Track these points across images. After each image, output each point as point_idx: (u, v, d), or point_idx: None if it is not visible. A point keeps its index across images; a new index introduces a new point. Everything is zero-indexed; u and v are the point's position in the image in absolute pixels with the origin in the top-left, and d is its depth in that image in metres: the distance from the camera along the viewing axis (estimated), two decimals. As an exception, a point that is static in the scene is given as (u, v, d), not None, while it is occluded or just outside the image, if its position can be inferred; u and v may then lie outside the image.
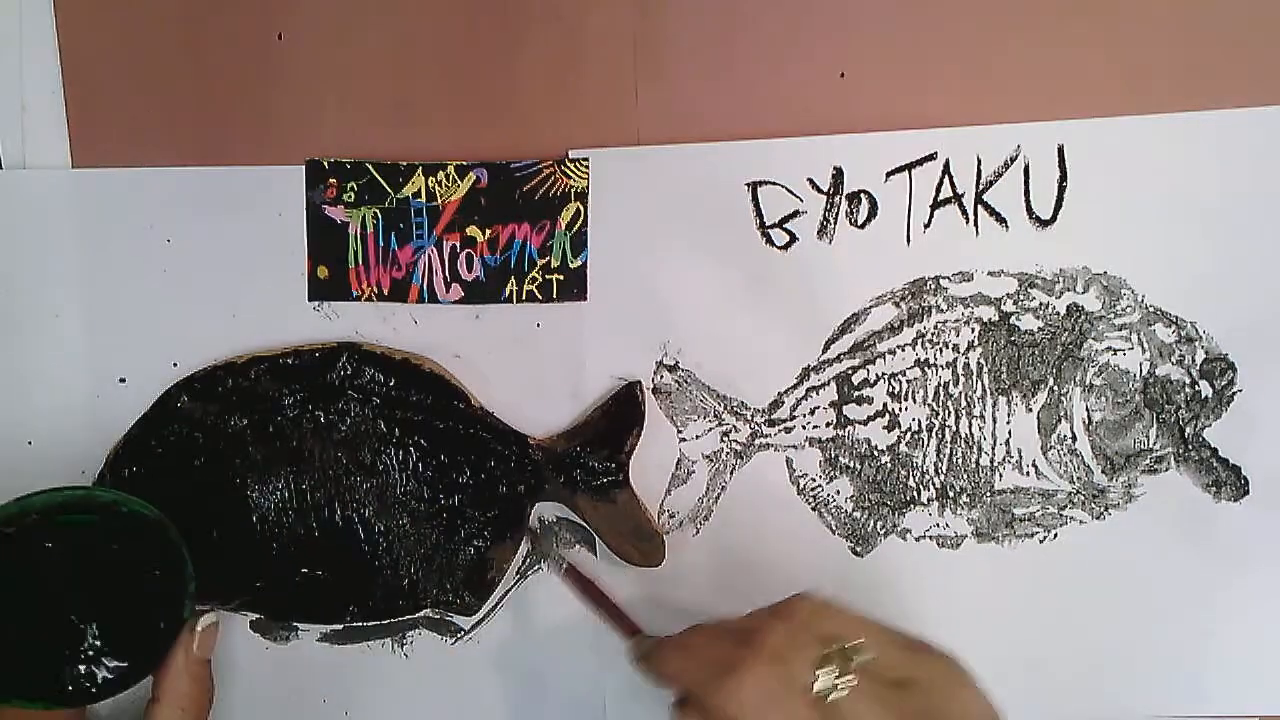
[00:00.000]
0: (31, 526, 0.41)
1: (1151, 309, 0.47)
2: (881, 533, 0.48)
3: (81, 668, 0.41)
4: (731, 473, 0.49)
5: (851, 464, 0.48)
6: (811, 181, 0.47)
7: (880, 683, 0.35)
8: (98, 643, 0.41)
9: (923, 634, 0.37)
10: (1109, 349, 0.47)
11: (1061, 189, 0.47)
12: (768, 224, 0.48)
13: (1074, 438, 0.47)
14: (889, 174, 0.47)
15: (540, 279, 0.48)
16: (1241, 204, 0.46)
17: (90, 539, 0.42)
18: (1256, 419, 0.47)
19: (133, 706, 0.43)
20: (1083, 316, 0.47)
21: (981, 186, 0.47)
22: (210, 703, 0.43)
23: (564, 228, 0.48)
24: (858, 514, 0.48)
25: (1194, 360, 0.47)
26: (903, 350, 0.48)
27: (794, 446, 0.48)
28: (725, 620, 0.39)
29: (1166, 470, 0.47)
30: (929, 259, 0.47)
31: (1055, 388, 0.47)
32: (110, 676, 0.41)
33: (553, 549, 0.48)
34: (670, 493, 0.49)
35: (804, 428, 0.48)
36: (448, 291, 0.48)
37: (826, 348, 0.48)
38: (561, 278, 0.48)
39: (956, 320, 0.47)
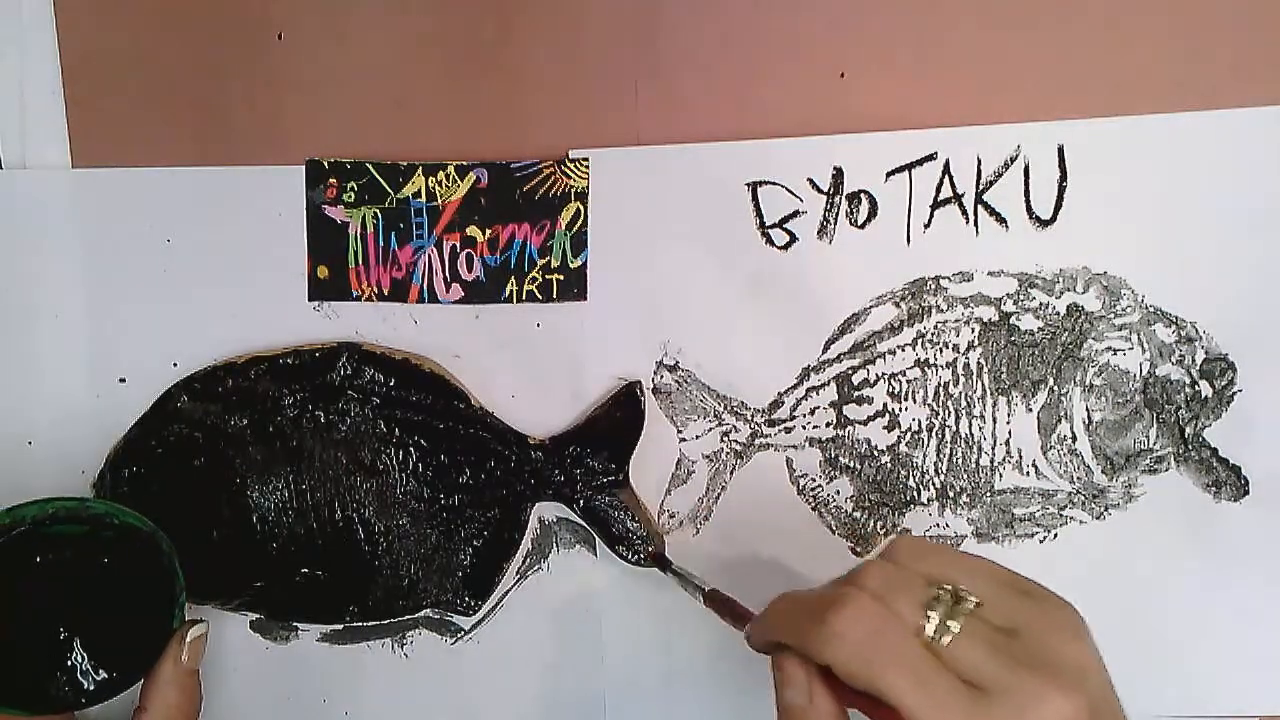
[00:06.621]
0: (21, 537, 0.41)
1: (1151, 309, 0.47)
2: (881, 533, 0.48)
3: (65, 676, 0.41)
4: (731, 473, 0.49)
5: (851, 464, 0.48)
6: (811, 181, 0.47)
7: (990, 626, 0.32)
8: (84, 652, 0.41)
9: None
10: (1109, 349, 0.47)
11: (1061, 189, 0.47)
12: (768, 224, 0.48)
13: (1074, 438, 0.47)
14: (889, 174, 0.47)
15: (540, 279, 0.48)
16: (1241, 204, 0.46)
17: (80, 549, 0.42)
18: (1256, 419, 0.47)
19: (122, 714, 0.43)
20: (1083, 316, 0.47)
21: (981, 186, 0.47)
22: (197, 713, 0.43)
23: (564, 228, 0.48)
24: (858, 514, 0.48)
25: (1194, 360, 0.47)
26: (903, 350, 0.48)
27: (794, 446, 0.48)
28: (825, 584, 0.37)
29: (1166, 470, 0.47)
30: (929, 259, 0.47)
31: (1055, 388, 0.47)
32: (94, 686, 0.41)
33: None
34: (670, 493, 0.49)
35: (804, 428, 0.48)
36: (448, 291, 0.48)
37: (826, 348, 0.48)
38: (561, 278, 0.48)
39: (956, 320, 0.47)
